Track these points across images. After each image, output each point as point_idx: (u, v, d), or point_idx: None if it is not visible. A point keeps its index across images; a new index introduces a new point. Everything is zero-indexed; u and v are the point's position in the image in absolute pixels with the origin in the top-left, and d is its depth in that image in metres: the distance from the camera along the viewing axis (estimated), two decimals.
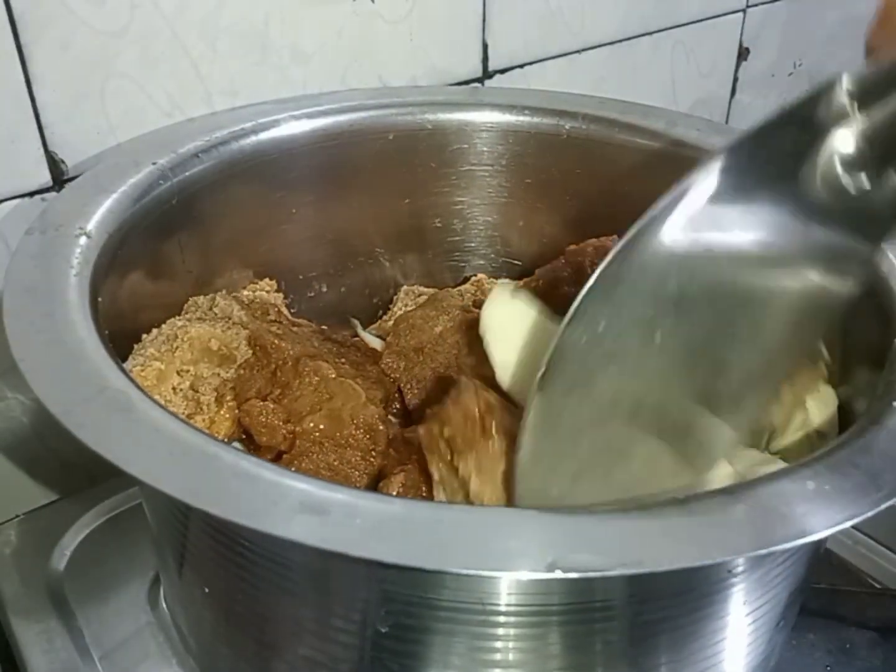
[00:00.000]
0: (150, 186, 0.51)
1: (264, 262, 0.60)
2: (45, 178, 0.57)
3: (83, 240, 0.45)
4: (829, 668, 0.55)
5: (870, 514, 0.33)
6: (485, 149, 0.64)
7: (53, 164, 0.57)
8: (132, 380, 0.38)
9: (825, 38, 1.02)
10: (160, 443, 0.35)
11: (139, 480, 0.33)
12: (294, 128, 0.58)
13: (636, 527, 0.33)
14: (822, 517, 0.33)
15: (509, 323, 0.52)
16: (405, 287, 0.66)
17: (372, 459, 0.49)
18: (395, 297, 0.66)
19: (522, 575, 0.31)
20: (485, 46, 0.74)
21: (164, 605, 0.57)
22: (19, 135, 0.55)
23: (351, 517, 0.32)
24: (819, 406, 0.50)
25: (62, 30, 0.54)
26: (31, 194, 0.57)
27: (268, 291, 0.60)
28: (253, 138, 0.57)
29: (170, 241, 0.53)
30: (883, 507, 0.34)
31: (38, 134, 0.56)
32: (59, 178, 0.58)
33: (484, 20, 0.73)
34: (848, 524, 0.33)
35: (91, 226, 0.46)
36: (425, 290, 0.66)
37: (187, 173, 0.53)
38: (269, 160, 0.57)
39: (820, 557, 0.48)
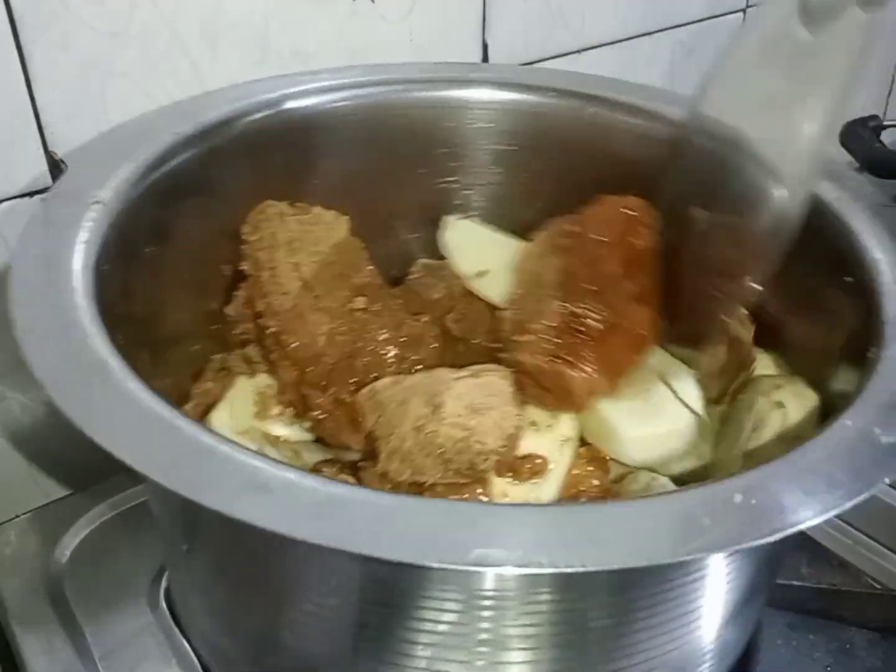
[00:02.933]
0: (169, 155, 0.51)
1: None
2: (44, 178, 0.57)
3: (97, 207, 0.45)
4: (829, 669, 0.55)
5: (816, 521, 0.34)
6: (501, 126, 0.63)
7: (53, 164, 0.57)
8: (117, 349, 0.38)
9: None
10: (132, 411, 0.36)
11: (105, 449, 0.34)
12: (317, 101, 0.58)
13: (609, 522, 0.33)
14: (756, 526, 0.33)
15: (464, 240, 0.62)
16: (421, 261, 0.65)
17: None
18: (409, 272, 0.65)
19: (493, 570, 0.32)
20: (485, 46, 0.74)
21: (164, 605, 0.57)
22: (19, 135, 0.55)
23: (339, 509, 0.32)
24: (798, 405, 0.50)
25: (62, 29, 0.54)
26: (31, 194, 0.57)
27: None
28: (276, 109, 0.56)
29: (190, 212, 0.53)
30: (831, 515, 0.34)
31: (37, 134, 0.56)
32: (59, 178, 0.57)
33: (484, 20, 0.73)
34: (790, 532, 0.33)
35: (105, 194, 0.46)
36: (435, 262, 0.64)
37: (208, 144, 0.53)
38: (293, 131, 0.57)
39: (776, 556, 0.49)
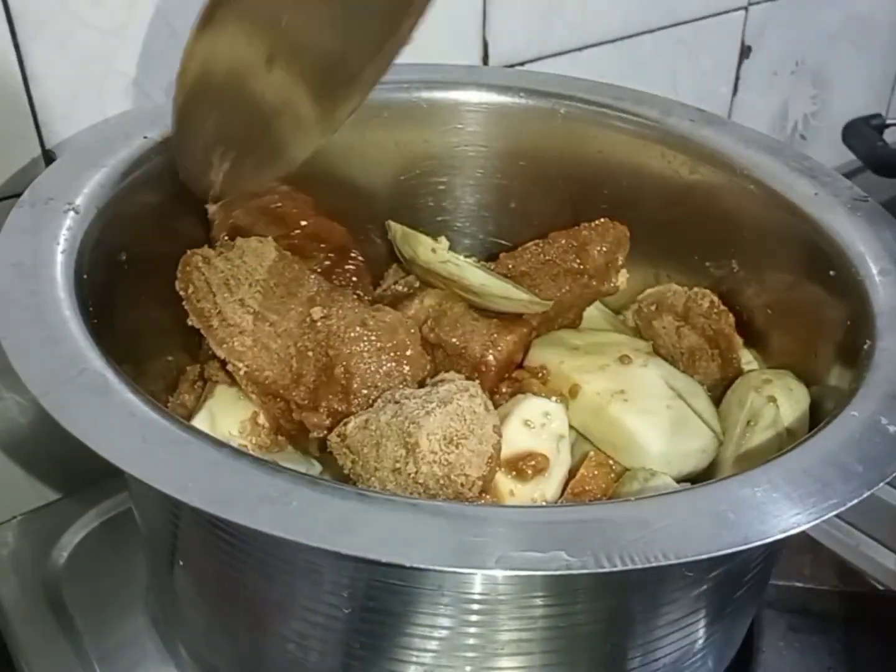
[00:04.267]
0: (140, 161, 0.50)
1: None
2: None
3: (71, 215, 0.45)
4: (830, 670, 0.55)
5: (816, 522, 0.34)
6: (479, 129, 0.63)
7: (51, 162, 0.57)
8: (111, 361, 0.38)
9: (827, 36, 1.01)
10: (134, 427, 0.35)
11: (113, 464, 0.33)
12: None
13: (588, 527, 0.33)
14: (767, 525, 0.33)
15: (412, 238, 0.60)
16: (395, 265, 0.65)
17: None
18: (385, 274, 0.65)
19: (466, 570, 0.32)
20: (485, 44, 0.73)
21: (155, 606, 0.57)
22: (17, 133, 0.55)
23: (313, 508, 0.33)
24: (790, 404, 0.50)
25: (60, 27, 0.54)
26: None
27: None
28: None
29: (158, 218, 0.52)
30: (830, 515, 0.34)
31: (35, 132, 0.56)
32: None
33: (484, 17, 0.72)
34: (793, 532, 0.33)
35: (80, 200, 0.46)
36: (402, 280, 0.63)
37: None
38: None
39: (770, 559, 0.49)
